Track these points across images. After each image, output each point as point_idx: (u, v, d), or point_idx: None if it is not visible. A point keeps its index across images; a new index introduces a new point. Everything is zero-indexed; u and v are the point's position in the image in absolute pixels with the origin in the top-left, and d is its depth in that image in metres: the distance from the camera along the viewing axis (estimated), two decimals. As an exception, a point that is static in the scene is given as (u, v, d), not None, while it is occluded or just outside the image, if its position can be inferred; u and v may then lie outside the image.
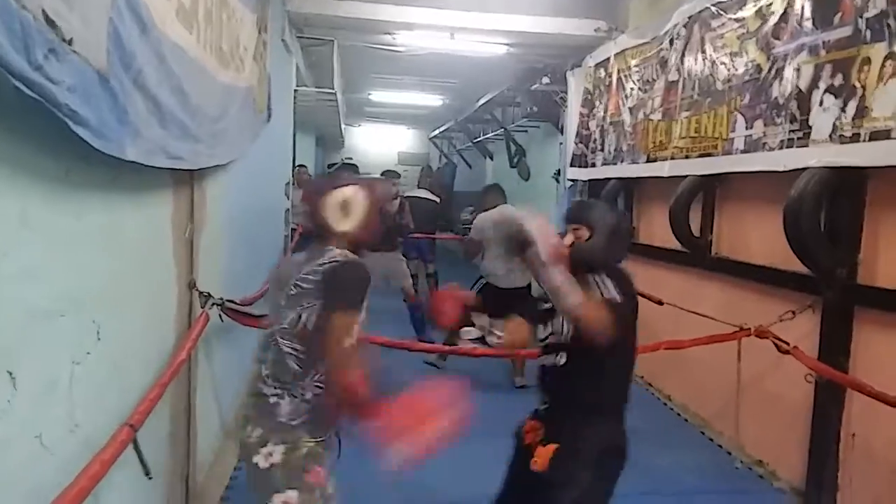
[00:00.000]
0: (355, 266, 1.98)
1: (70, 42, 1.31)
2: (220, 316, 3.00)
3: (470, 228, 5.37)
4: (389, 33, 6.45)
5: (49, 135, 1.47)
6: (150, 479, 1.99)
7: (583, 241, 2.21)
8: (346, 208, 2.05)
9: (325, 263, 1.96)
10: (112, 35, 1.56)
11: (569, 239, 2.22)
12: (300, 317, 1.95)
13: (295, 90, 6.81)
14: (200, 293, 2.83)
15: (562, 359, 2.23)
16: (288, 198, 6.93)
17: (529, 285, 5.39)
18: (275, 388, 1.99)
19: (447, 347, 4.47)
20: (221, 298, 2.95)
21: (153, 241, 2.43)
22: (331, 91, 7.51)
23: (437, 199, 8.34)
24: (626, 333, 2.10)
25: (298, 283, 1.97)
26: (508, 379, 5.39)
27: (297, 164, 8.53)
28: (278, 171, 6.14)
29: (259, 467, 1.95)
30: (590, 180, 6.46)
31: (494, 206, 5.43)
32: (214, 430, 3.62)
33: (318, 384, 1.97)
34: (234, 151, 3.25)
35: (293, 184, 7.59)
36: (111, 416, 1.96)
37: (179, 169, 2.40)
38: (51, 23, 1.22)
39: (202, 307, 2.80)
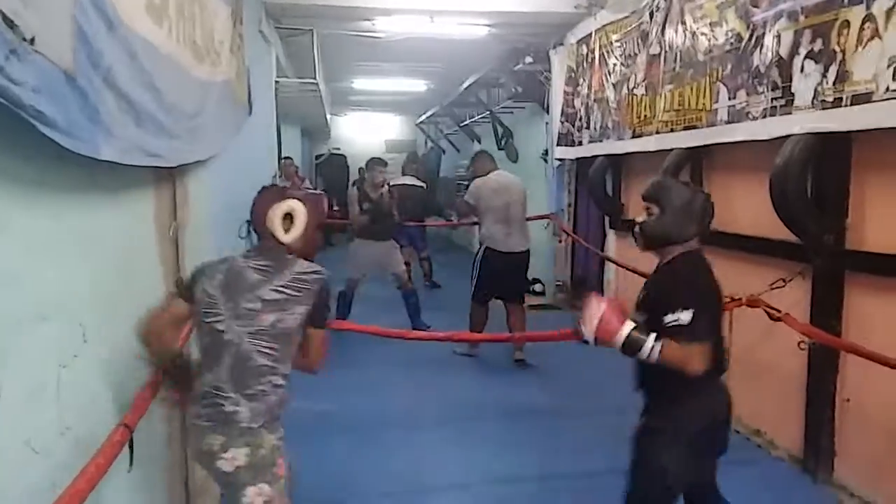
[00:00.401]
0: (331, 282, 2.17)
1: (32, 41, 1.29)
2: (209, 313, 2.97)
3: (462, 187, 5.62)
4: (368, 19, 6.39)
5: (20, 138, 1.45)
6: (129, 472, 1.97)
7: (652, 219, 2.28)
8: (290, 220, 2.13)
9: (309, 273, 2.11)
10: (77, 33, 1.52)
11: (641, 217, 2.32)
12: (279, 320, 2.06)
13: (276, 81, 6.75)
14: (188, 291, 2.81)
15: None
16: (275, 191, 6.90)
17: (528, 249, 5.51)
18: (232, 395, 2.03)
19: (441, 334, 4.46)
20: (210, 295, 2.92)
21: (137, 241, 2.41)
22: (313, 81, 7.45)
23: (424, 185, 8.33)
24: (710, 323, 2.16)
25: (282, 288, 2.08)
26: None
27: (283, 156, 8.50)
28: (263, 164, 6.09)
29: (223, 471, 2.03)
30: (577, 158, 6.44)
31: (487, 173, 5.52)
32: (212, 427, 3.61)
33: (281, 379, 2.11)
34: (213, 146, 3.22)
35: (280, 176, 7.56)
36: (103, 417, 1.95)
37: (159, 167, 2.37)
38: (9, 23, 1.19)
39: (190, 305, 2.78)
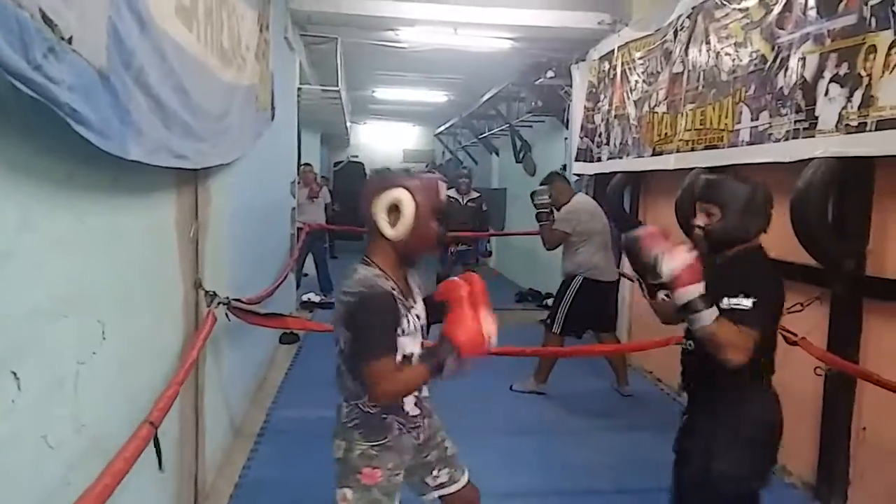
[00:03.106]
0: (372, 302, 1.80)
1: (69, 41, 1.31)
2: (226, 315, 3.00)
3: (544, 213, 4.97)
4: (392, 29, 6.43)
5: (50, 137, 1.47)
6: (161, 472, 1.98)
7: (714, 221, 2.16)
8: (397, 212, 1.85)
9: (348, 292, 1.83)
10: (111, 33, 1.55)
11: (700, 220, 2.20)
12: (339, 339, 1.92)
13: (299, 88, 6.81)
14: (206, 292, 2.84)
15: (690, 345, 2.23)
16: (293, 196, 6.94)
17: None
18: (340, 393, 2.01)
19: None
20: (227, 297, 2.95)
21: (157, 241, 2.44)
22: (335, 89, 7.50)
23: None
24: (766, 318, 2.07)
25: (336, 301, 1.92)
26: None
27: (301, 162, 8.55)
28: (283, 170, 6.14)
29: (334, 457, 2.02)
30: (596, 174, 6.43)
31: (570, 198, 5.08)
32: (223, 430, 3.63)
33: (352, 399, 1.97)
34: (237, 150, 3.25)
35: (298, 182, 7.61)
36: (119, 415, 1.96)
37: (183, 168, 2.40)
38: (48, 21, 1.22)
39: (208, 306, 2.80)
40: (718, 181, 2.24)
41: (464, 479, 2.15)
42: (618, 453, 4.04)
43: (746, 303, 1.98)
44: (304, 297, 7.89)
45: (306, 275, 8.56)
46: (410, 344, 1.89)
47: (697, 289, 1.94)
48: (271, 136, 4.62)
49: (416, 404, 2.00)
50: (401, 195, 1.83)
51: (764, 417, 2.17)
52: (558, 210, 5.03)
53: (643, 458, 3.97)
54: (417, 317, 1.95)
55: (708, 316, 1.94)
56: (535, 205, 5.00)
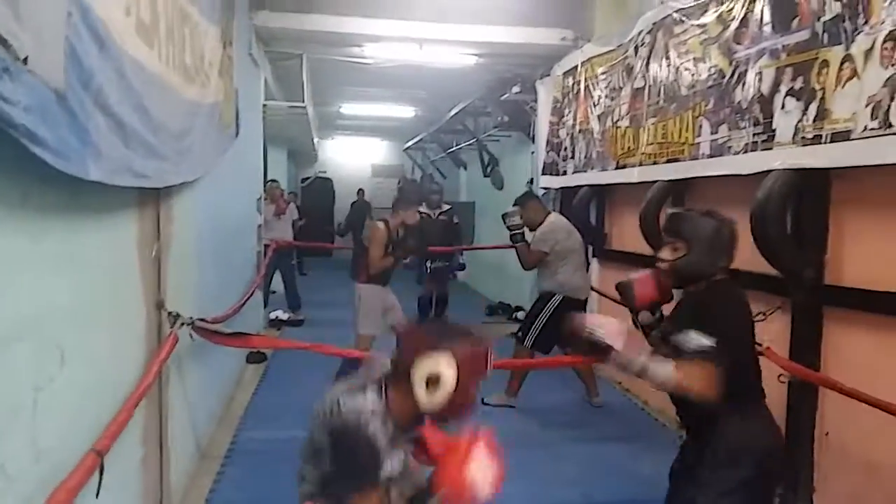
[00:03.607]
0: (358, 437, 1.70)
1: (24, 61, 1.29)
2: (190, 335, 2.95)
3: (518, 234, 4.99)
4: (357, 45, 6.45)
5: (4, 158, 1.44)
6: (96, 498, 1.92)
7: (678, 256, 2.18)
8: (436, 384, 1.70)
9: (343, 410, 1.72)
10: (69, 53, 1.53)
11: (666, 254, 2.23)
12: (315, 440, 1.83)
13: (264, 104, 6.78)
14: (169, 313, 2.79)
15: None
16: (260, 213, 6.89)
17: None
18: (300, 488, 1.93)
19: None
20: (191, 318, 2.90)
21: (118, 262, 2.39)
22: (301, 105, 7.48)
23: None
24: (736, 350, 2.08)
25: (329, 400, 1.78)
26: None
27: (268, 178, 8.49)
28: (249, 187, 6.09)
29: None
30: (562, 188, 6.50)
31: (545, 217, 5.06)
32: (189, 453, 3.56)
33: None
34: (200, 168, 3.22)
35: (265, 199, 7.55)
36: (79, 442, 1.91)
37: (145, 187, 2.36)
38: (2, 41, 1.19)
39: (171, 327, 2.76)
40: (684, 216, 2.27)
41: None
42: (587, 464, 4.06)
43: (707, 342, 2.00)
44: (272, 315, 7.80)
45: (274, 292, 8.47)
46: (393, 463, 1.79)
47: (644, 352, 2.05)
48: (236, 152, 4.58)
49: None
50: (444, 370, 1.68)
51: (752, 442, 2.13)
52: (533, 230, 5.05)
53: (613, 469, 3.99)
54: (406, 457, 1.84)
55: (662, 372, 2.02)
56: (507, 227, 5.02)
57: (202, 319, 3.04)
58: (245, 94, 4.94)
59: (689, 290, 2.23)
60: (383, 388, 1.78)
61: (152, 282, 2.73)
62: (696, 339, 2.01)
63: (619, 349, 2.05)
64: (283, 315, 7.91)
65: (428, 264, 7.64)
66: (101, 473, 1.81)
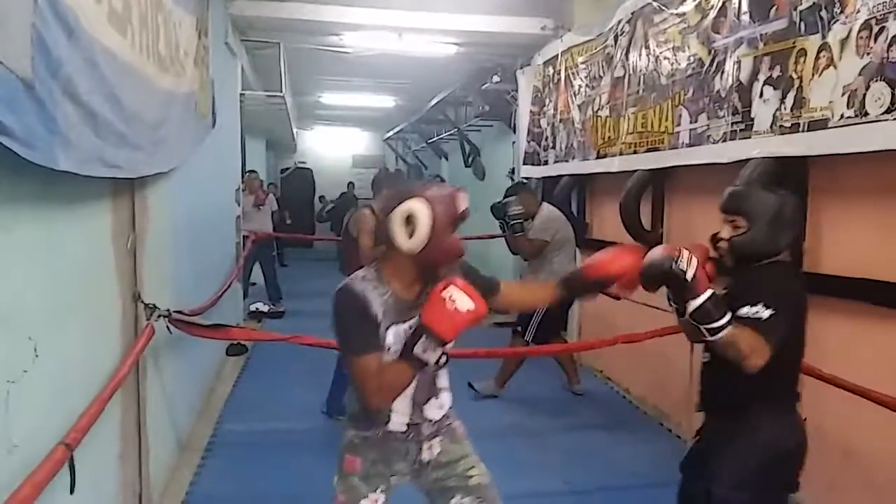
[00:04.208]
0: (343, 300, 1.82)
1: (-12, 49, 1.25)
2: (167, 328, 2.92)
3: (519, 223, 4.88)
4: (336, 34, 6.39)
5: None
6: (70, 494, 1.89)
7: (739, 233, 2.06)
8: (412, 224, 1.79)
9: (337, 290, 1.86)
10: (36, 41, 1.49)
11: (725, 232, 2.11)
12: None
13: (242, 94, 6.70)
14: (146, 305, 2.76)
15: (707, 356, 2.15)
16: (238, 204, 6.82)
17: None
18: None
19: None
20: (168, 310, 2.87)
21: (93, 253, 2.36)
22: (279, 94, 7.41)
23: None
24: (788, 334, 1.96)
25: None
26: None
27: (247, 169, 8.41)
28: (226, 177, 6.03)
29: None
30: (543, 177, 6.50)
31: (539, 206, 5.06)
32: (169, 446, 3.53)
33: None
34: (175, 158, 3.18)
35: (243, 190, 7.48)
36: (53, 435, 1.88)
37: (118, 178, 2.33)
38: (-36, 29, 1.16)
39: (147, 319, 2.73)
40: (745, 192, 2.15)
41: None
42: (569, 452, 4.08)
43: (764, 313, 1.90)
44: (252, 307, 7.76)
45: (254, 284, 8.42)
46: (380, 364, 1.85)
47: (706, 294, 1.88)
48: (213, 143, 4.53)
49: (407, 423, 1.95)
50: (416, 206, 1.78)
51: (777, 442, 2.06)
52: (526, 221, 4.98)
53: (594, 457, 4.02)
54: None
55: (724, 319, 1.88)
56: (508, 216, 4.90)
57: (179, 311, 3.01)
58: (222, 84, 4.88)
59: (747, 268, 2.09)
60: (377, 266, 1.90)
61: (128, 273, 2.70)
62: (753, 310, 1.91)
63: (700, 287, 1.89)
64: (263, 307, 7.87)
65: None
66: (73, 467, 1.78)
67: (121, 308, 2.63)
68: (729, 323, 1.88)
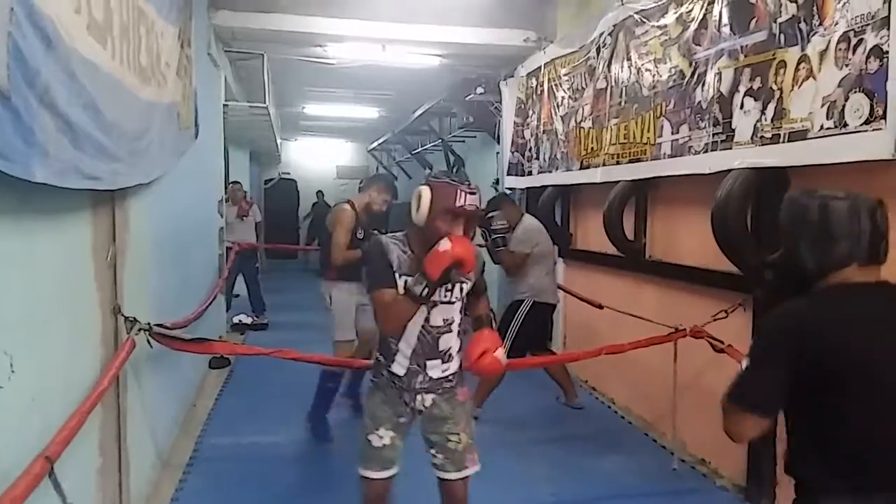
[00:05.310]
0: (371, 248, 2.40)
1: (-38, 59, 1.23)
2: (147, 342, 2.88)
3: (501, 237, 4.83)
4: (320, 45, 6.38)
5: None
6: None
7: (782, 251, 1.67)
8: (418, 202, 2.26)
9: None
10: (12, 51, 1.47)
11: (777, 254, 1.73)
12: None
13: (225, 105, 6.67)
14: (126, 318, 2.72)
15: None
16: (221, 215, 6.78)
17: None
18: None
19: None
20: (149, 323, 2.83)
21: (72, 266, 2.33)
22: (263, 105, 7.39)
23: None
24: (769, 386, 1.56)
25: None
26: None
27: (230, 180, 8.36)
28: (209, 189, 5.99)
29: None
30: (527, 188, 6.52)
31: (521, 217, 4.97)
32: (150, 461, 3.48)
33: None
34: (156, 169, 3.15)
35: (226, 200, 7.44)
36: (31, 450, 1.85)
37: (98, 189, 2.30)
38: (-63, 38, 1.14)
39: (128, 333, 2.69)
40: (785, 200, 1.70)
41: (452, 475, 2.42)
42: (556, 464, 4.06)
43: (742, 364, 1.59)
44: (236, 319, 7.69)
45: (237, 296, 8.35)
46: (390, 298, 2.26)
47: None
48: (196, 154, 4.50)
49: (407, 367, 2.35)
50: (424, 189, 2.25)
51: None
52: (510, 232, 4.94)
53: (581, 467, 4.01)
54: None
55: None
56: (492, 229, 4.87)
57: (161, 325, 2.97)
58: (205, 95, 4.85)
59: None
60: (406, 233, 2.38)
61: (108, 286, 2.66)
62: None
63: None
64: (246, 319, 7.81)
65: None
66: (55, 479, 1.74)
67: (100, 322, 2.59)
68: None
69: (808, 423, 1.55)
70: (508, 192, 6.75)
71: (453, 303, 2.37)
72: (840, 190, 1.62)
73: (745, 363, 1.59)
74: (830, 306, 1.53)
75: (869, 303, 1.52)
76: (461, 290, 2.38)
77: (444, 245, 2.14)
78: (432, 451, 2.43)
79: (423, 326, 2.32)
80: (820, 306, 1.53)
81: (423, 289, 2.16)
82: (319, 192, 14.61)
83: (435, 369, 2.36)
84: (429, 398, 2.38)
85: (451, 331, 2.38)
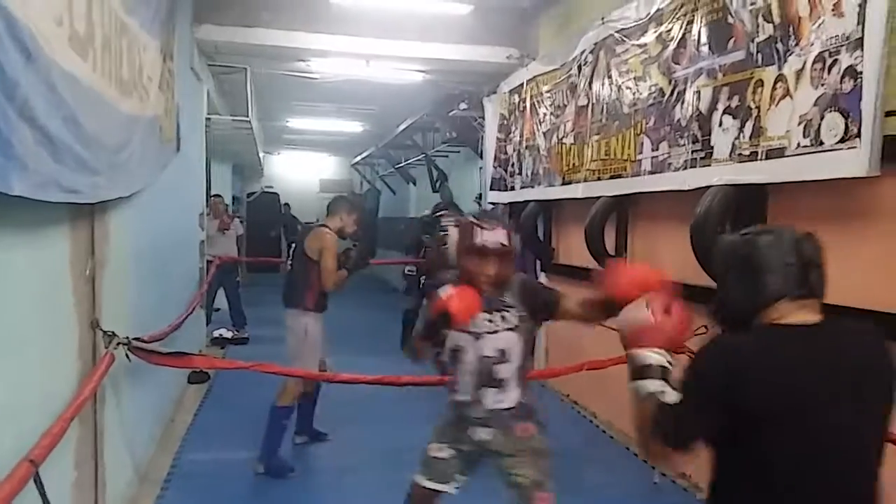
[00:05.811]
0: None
1: (-60, 71, 1.23)
2: (126, 356, 2.85)
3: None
4: (303, 60, 6.40)
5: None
6: None
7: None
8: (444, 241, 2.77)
9: None
10: (-9, 63, 1.47)
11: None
12: None
13: (208, 118, 6.66)
14: (104, 332, 2.69)
15: None
16: (202, 229, 6.74)
17: None
18: None
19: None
20: (128, 337, 2.81)
21: (50, 280, 2.30)
22: (246, 119, 7.39)
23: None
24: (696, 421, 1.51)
25: None
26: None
27: (212, 193, 8.32)
28: (190, 202, 5.96)
29: None
30: (510, 203, 6.55)
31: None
32: (127, 475, 3.43)
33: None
34: (137, 183, 3.13)
35: (208, 214, 7.40)
36: (6, 462, 1.82)
37: (77, 203, 2.28)
38: (-85, 50, 1.14)
39: (106, 347, 2.66)
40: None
41: None
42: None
43: (668, 397, 1.57)
44: (216, 333, 7.61)
45: (218, 310, 8.28)
46: (459, 339, 2.33)
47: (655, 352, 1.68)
48: (177, 167, 4.48)
49: (469, 395, 2.37)
50: (451, 229, 2.53)
51: None
52: None
53: (563, 480, 3.96)
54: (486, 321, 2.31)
55: (652, 385, 1.63)
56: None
57: (139, 339, 2.94)
58: (187, 109, 4.84)
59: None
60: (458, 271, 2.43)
61: (86, 300, 2.63)
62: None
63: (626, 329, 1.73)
64: (226, 333, 7.73)
65: (422, 279, 7.54)
66: (39, 483, 1.71)
67: (78, 336, 2.56)
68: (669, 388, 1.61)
69: (738, 461, 1.52)
70: (492, 206, 6.78)
71: (498, 332, 2.30)
72: (770, 227, 1.62)
73: (672, 396, 1.54)
74: (765, 346, 1.48)
75: (804, 345, 1.48)
76: (503, 318, 2.31)
77: (443, 293, 2.15)
78: (506, 486, 2.43)
79: (478, 357, 2.32)
80: (755, 346, 1.49)
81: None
82: (286, 205, 14.68)
83: (489, 397, 2.34)
84: (485, 432, 2.38)
85: (507, 360, 2.32)
